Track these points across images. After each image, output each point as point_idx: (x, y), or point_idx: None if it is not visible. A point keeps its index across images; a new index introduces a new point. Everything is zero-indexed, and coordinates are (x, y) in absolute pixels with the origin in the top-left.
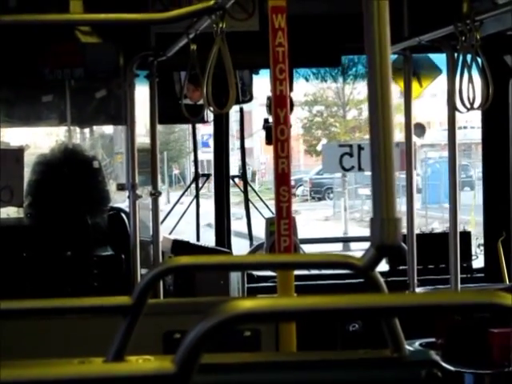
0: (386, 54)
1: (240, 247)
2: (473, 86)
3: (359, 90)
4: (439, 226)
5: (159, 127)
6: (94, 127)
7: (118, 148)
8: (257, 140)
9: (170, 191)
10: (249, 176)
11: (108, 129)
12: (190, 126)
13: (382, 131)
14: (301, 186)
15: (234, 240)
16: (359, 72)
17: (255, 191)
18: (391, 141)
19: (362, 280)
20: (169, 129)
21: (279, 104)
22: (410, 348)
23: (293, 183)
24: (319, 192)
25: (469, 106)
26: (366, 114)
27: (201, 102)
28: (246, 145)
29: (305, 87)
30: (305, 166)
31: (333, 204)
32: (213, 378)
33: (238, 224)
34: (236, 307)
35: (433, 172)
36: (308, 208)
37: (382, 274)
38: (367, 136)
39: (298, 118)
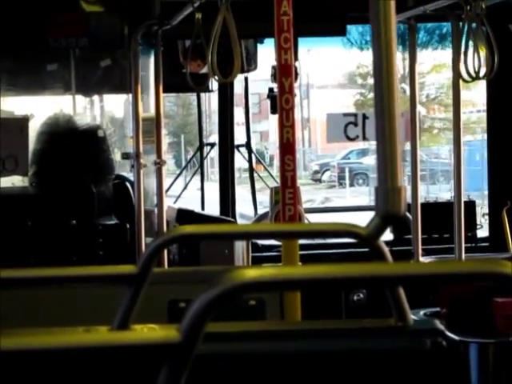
0: (391, 23)
1: None
2: (478, 55)
3: (423, 60)
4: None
5: (177, 109)
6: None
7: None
8: (273, 123)
9: (186, 175)
10: (267, 160)
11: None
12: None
13: (386, 100)
14: (327, 171)
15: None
16: (424, 40)
17: (261, 162)
18: (396, 110)
19: (366, 249)
20: (186, 111)
21: (284, 73)
22: (415, 317)
23: (317, 168)
24: (347, 177)
25: (474, 75)
26: (429, 89)
27: (204, 70)
28: (262, 128)
29: (359, 57)
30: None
31: (368, 192)
32: (217, 347)
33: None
34: (241, 276)
35: (470, 156)
36: (339, 195)
37: (387, 243)
38: (432, 114)
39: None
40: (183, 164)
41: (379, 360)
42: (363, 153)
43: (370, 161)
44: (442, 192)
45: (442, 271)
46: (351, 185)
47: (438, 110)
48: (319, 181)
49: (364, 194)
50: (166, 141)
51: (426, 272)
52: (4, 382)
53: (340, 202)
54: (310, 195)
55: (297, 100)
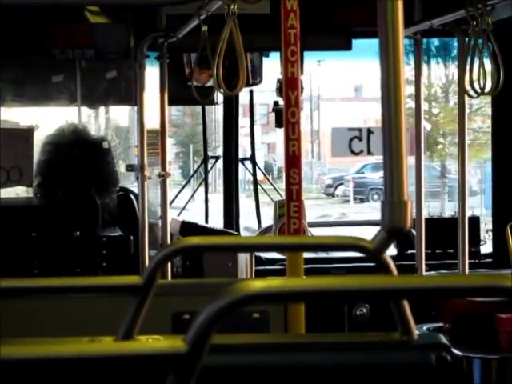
0: (399, 37)
1: None
2: (484, 70)
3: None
4: None
5: (185, 119)
6: (105, 108)
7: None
8: (280, 135)
9: (194, 186)
10: (275, 173)
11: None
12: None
13: (393, 114)
14: (341, 185)
15: None
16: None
17: (265, 176)
18: (403, 125)
19: (371, 264)
20: (195, 120)
21: (290, 86)
22: (418, 332)
23: (330, 182)
24: (362, 192)
25: (479, 90)
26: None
27: (210, 83)
28: (270, 140)
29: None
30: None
31: None
32: (222, 359)
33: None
34: (248, 287)
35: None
36: (355, 210)
37: (391, 258)
38: (477, 125)
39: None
40: (195, 173)
41: (384, 374)
42: (378, 167)
43: None
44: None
45: (446, 284)
46: (366, 200)
47: (483, 122)
48: (332, 195)
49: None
50: (173, 150)
51: (430, 285)
52: None
53: (357, 217)
54: (323, 210)
55: (306, 112)
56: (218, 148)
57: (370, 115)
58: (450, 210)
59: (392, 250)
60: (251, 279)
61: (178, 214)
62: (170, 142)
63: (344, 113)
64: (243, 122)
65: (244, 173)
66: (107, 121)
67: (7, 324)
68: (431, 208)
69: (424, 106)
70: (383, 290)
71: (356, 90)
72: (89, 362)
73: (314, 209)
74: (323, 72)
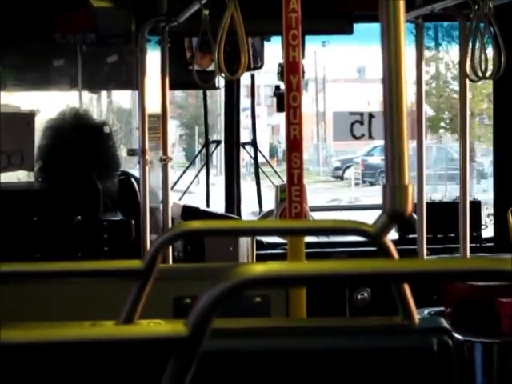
0: (400, 21)
1: None
2: (485, 55)
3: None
4: None
5: (189, 100)
6: (106, 92)
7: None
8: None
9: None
10: (279, 155)
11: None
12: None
13: (394, 97)
14: (349, 167)
15: None
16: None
17: (267, 160)
18: (404, 109)
19: (373, 248)
20: (199, 101)
21: (292, 70)
22: (419, 316)
23: (339, 164)
24: (372, 175)
25: (481, 74)
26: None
27: (211, 68)
28: (274, 122)
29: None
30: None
31: None
32: (222, 343)
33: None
34: (250, 271)
35: None
36: (369, 195)
37: (392, 242)
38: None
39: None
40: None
41: (385, 358)
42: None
43: None
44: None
45: (447, 268)
46: (376, 183)
47: None
48: (341, 178)
49: None
50: (177, 133)
51: (431, 269)
52: (9, 376)
53: (370, 201)
54: (333, 193)
55: (311, 94)
56: (222, 131)
57: (374, 97)
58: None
59: (393, 235)
60: (252, 263)
61: (180, 198)
62: (174, 123)
63: (348, 94)
64: (247, 103)
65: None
66: (109, 105)
67: (8, 308)
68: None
69: (452, 85)
70: (384, 273)
71: (358, 71)
72: (90, 346)
73: (323, 192)
74: (328, 53)
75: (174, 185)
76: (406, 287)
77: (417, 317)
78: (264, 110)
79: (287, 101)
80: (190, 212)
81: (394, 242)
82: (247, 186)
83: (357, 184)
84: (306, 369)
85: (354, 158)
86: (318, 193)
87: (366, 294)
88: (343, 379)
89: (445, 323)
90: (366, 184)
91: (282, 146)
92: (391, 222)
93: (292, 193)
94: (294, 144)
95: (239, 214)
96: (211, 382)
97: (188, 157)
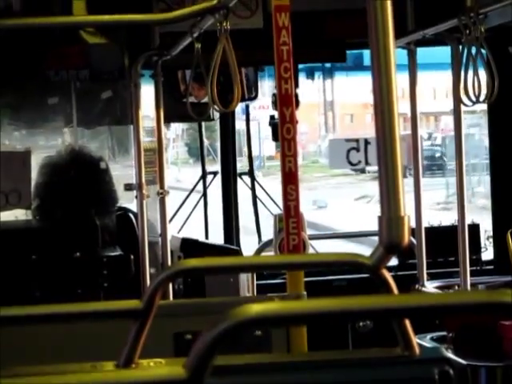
0: (390, 48)
1: None
2: (478, 78)
3: None
4: None
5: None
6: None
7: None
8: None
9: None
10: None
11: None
12: None
13: (387, 127)
14: None
15: None
16: None
17: (263, 189)
18: (397, 137)
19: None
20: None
21: (285, 102)
22: (422, 342)
23: None
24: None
25: (474, 99)
26: None
27: (206, 99)
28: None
29: None
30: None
31: (445, 184)
32: (224, 381)
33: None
34: (246, 312)
35: None
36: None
37: (392, 268)
38: None
39: None
40: (199, 152)
41: None
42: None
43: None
44: None
45: (446, 303)
46: (403, 175)
47: None
48: (362, 171)
49: (431, 187)
50: (180, 127)
51: (431, 304)
52: None
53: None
54: (359, 189)
55: (318, 83)
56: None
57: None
58: None
59: (393, 260)
60: (250, 303)
61: (179, 231)
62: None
63: (357, 82)
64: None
65: (259, 149)
66: (104, 140)
67: (6, 350)
68: None
69: None
70: (383, 310)
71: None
72: None
73: (346, 187)
74: None
75: (172, 218)
76: (406, 319)
77: (417, 347)
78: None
79: (281, 133)
80: (189, 244)
81: (394, 267)
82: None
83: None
84: None
85: None
86: (340, 188)
87: (368, 322)
88: None
89: (445, 353)
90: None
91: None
92: (388, 253)
93: (289, 225)
94: (290, 176)
95: (238, 244)
96: None
97: (191, 152)
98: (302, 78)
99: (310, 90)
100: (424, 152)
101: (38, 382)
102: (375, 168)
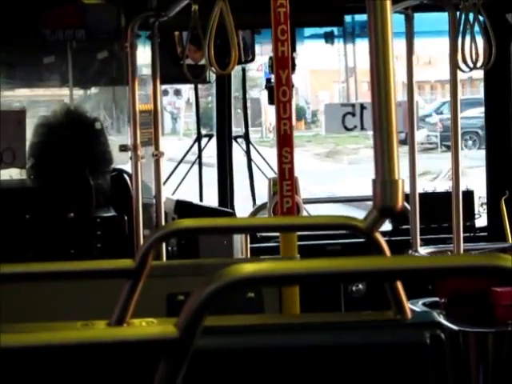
0: (387, 13)
1: None
2: (475, 45)
3: None
4: None
5: None
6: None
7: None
8: (308, 77)
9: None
10: (308, 116)
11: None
12: None
13: (383, 91)
14: (422, 128)
15: None
16: None
17: (259, 153)
18: (392, 101)
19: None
20: None
21: (281, 65)
22: (414, 307)
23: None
24: (446, 138)
25: (471, 65)
26: None
27: (203, 62)
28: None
29: None
30: None
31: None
32: (216, 341)
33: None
34: (238, 271)
35: None
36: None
37: (385, 233)
38: None
39: None
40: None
41: (378, 353)
42: (472, 103)
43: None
44: None
45: (440, 265)
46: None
47: None
48: (403, 142)
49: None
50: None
51: (424, 266)
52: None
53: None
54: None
55: (339, 48)
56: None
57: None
58: None
59: (387, 226)
60: (243, 262)
61: (173, 193)
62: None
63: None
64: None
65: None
66: (99, 101)
67: None
68: None
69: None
70: (375, 271)
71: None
72: (80, 349)
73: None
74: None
75: (167, 180)
76: (398, 283)
77: (409, 311)
78: None
79: (277, 96)
80: (183, 207)
81: (388, 233)
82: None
83: (430, 149)
84: (298, 365)
85: (426, 118)
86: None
87: (360, 286)
88: (336, 375)
89: (437, 317)
90: (443, 149)
91: (310, 107)
92: (382, 217)
93: (283, 187)
94: (285, 139)
95: (232, 207)
96: (204, 381)
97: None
98: (320, 42)
99: (329, 55)
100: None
101: (28, 338)
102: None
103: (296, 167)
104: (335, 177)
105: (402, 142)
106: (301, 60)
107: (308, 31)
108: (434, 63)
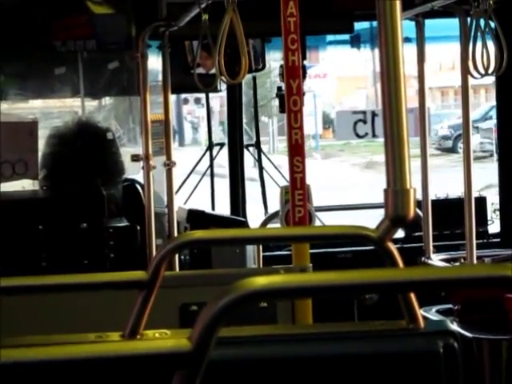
0: (397, 20)
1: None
2: (487, 51)
3: None
4: None
5: None
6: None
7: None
8: (332, 83)
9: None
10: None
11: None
12: None
13: (393, 99)
14: (459, 136)
15: None
16: None
17: (270, 160)
18: (403, 110)
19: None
20: None
21: (291, 74)
22: (427, 315)
23: (447, 132)
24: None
25: (483, 71)
26: None
27: (214, 71)
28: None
29: None
30: None
31: None
32: (229, 352)
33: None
34: (252, 285)
35: None
36: None
37: (398, 240)
38: None
39: None
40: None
41: (391, 363)
42: None
43: None
44: None
45: (452, 277)
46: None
47: None
48: (451, 150)
49: None
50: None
51: (436, 278)
52: None
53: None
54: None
55: (366, 52)
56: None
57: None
58: None
59: (399, 233)
60: (256, 275)
61: (185, 202)
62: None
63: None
64: None
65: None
66: (111, 111)
67: (12, 320)
68: None
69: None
70: (388, 284)
71: None
72: (93, 363)
73: (442, 172)
74: None
75: (179, 189)
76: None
77: (422, 320)
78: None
79: (288, 105)
80: (195, 216)
81: (401, 240)
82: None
83: (482, 157)
84: (312, 375)
85: (476, 123)
86: (435, 172)
87: (373, 295)
88: None
89: (450, 326)
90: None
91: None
92: (394, 226)
93: (295, 197)
94: (296, 148)
95: (245, 215)
96: None
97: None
98: (346, 47)
99: (355, 60)
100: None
101: (42, 351)
102: (479, 147)
103: (339, 179)
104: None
105: (449, 151)
106: (326, 66)
107: (331, 36)
108: (457, 68)
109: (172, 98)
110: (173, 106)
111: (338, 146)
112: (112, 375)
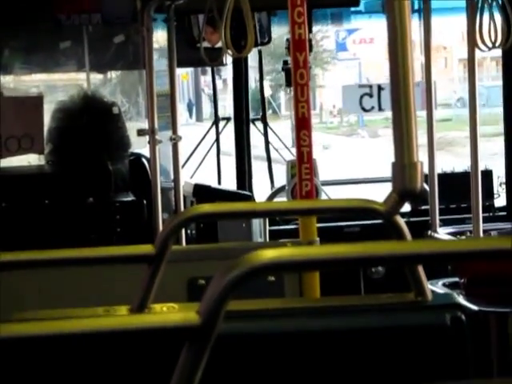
0: None
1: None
2: (494, 24)
3: None
4: None
5: None
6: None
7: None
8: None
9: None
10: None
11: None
12: None
13: (401, 73)
14: None
15: None
16: None
17: (276, 134)
18: (411, 84)
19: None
20: None
21: (298, 48)
22: (434, 288)
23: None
24: None
25: (490, 44)
26: None
27: (219, 44)
28: None
29: None
30: None
31: None
32: (237, 326)
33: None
34: (260, 257)
35: None
36: None
37: (404, 214)
38: None
39: None
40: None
41: (398, 335)
42: None
43: None
44: None
45: (459, 249)
46: None
47: None
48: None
49: None
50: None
51: (443, 250)
52: (23, 366)
53: None
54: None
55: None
56: None
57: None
58: None
59: (406, 206)
60: (263, 248)
61: (191, 176)
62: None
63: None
64: None
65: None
66: (117, 85)
67: (19, 295)
68: None
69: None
70: (395, 256)
71: None
72: (101, 337)
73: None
74: None
75: (185, 163)
76: (418, 265)
77: (429, 293)
78: None
79: (294, 78)
80: (201, 190)
81: (407, 213)
82: None
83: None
84: (320, 349)
85: None
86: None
87: (380, 268)
88: (356, 357)
89: (457, 298)
90: None
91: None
92: (402, 200)
93: (302, 171)
94: (303, 122)
95: (251, 190)
96: (224, 365)
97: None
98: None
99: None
100: None
101: (51, 325)
102: None
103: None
104: None
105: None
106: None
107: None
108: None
109: (184, 70)
110: (189, 77)
111: (381, 122)
112: (120, 348)
